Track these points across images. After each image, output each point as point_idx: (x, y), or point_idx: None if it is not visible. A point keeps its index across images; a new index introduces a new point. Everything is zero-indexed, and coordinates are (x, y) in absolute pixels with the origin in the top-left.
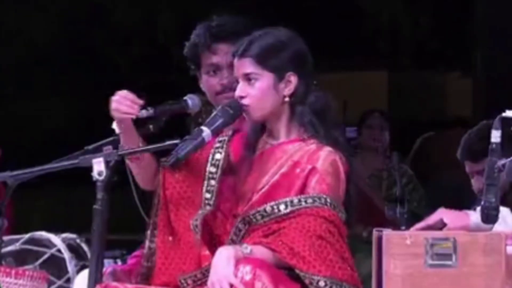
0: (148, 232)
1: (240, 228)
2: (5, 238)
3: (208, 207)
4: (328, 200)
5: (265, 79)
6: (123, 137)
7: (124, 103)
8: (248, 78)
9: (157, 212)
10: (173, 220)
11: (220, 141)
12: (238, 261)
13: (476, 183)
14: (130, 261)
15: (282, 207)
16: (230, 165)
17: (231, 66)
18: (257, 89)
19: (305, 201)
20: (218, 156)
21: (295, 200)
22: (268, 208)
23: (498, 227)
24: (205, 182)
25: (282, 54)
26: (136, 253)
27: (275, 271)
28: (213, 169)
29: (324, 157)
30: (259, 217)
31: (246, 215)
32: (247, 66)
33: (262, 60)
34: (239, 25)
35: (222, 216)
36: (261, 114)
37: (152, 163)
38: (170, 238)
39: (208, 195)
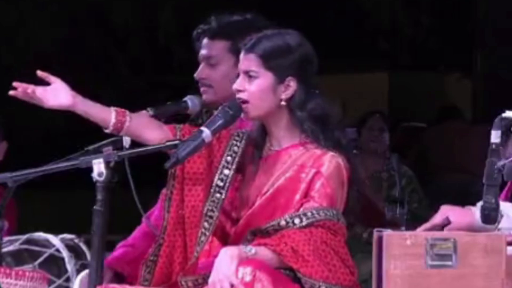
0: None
1: (249, 239)
2: (4, 239)
3: (218, 195)
4: (334, 212)
5: (264, 79)
6: (90, 118)
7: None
8: (248, 74)
9: (172, 189)
10: (185, 195)
11: (239, 135)
12: (239, 262)
13: None
14: (118, 250)
15: (297, 220)
16: (239, 165)
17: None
18: (255, 86)
19: (318, 214)
20: (235, 148)
21: (309, 214)
22: (282, 223)
23: (503, 223)
24: (219, 170)
25: (286, 57)
26: (123, 242)
27: (275, 272)
28: (229, 159)
29: (329, 161)
30: (272, 232)
31: (257, 229)
32: (250, 62)
33: (266, 60)
34: (230, 24)
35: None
36: (257, 114)
37: (138, 120)
38: (182, 212)
39: (220, 183)
